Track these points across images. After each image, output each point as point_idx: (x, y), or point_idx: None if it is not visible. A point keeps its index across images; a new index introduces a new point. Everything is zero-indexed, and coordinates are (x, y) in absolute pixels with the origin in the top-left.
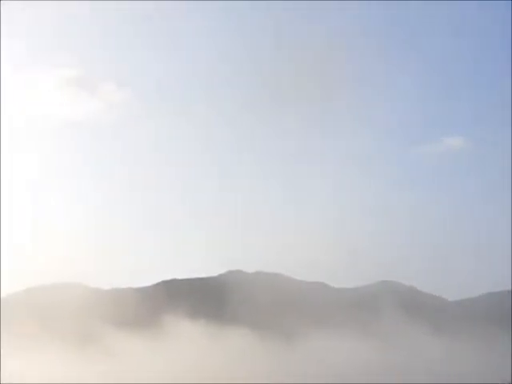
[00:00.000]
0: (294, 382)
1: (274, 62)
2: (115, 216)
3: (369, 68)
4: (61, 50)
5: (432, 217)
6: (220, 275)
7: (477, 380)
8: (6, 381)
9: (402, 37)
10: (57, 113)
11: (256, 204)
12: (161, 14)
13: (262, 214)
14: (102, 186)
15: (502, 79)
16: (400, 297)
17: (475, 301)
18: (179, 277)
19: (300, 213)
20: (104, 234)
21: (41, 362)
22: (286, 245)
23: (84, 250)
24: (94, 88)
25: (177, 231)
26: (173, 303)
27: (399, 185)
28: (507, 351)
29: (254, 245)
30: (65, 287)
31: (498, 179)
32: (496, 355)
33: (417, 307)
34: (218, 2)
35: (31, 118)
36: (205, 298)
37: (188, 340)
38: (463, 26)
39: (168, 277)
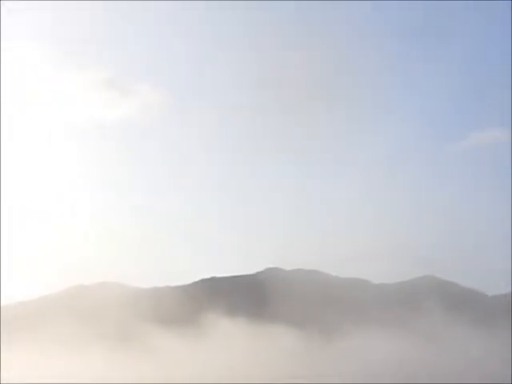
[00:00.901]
0: (336, 382)
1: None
2: (153, 216)
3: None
4: (94, 52)
5: (470, 213)
6: (258, 273)
7: None
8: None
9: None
10: (93, 114)
11: (293, 202)
12: (196, 14)
13: (299, 211)
14: (141, 187)
15: None
16: (441, 292)
17: None
18: (218, 275)
19: (337, 210)
20: (142, 234)
21: (82, 361)
22: (324, 242)
23: (123, 249)
24: (128, 89)
25: (215, 230)
26: (212, 301)
27: (439, 180)
28: None
29: (291, 242)
30: (105, 287)
31: None
32: None
33: (458, 302)
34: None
35: (70, 120)
36: (244, 296)
37: (228, 338)
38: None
39: (206, 275)
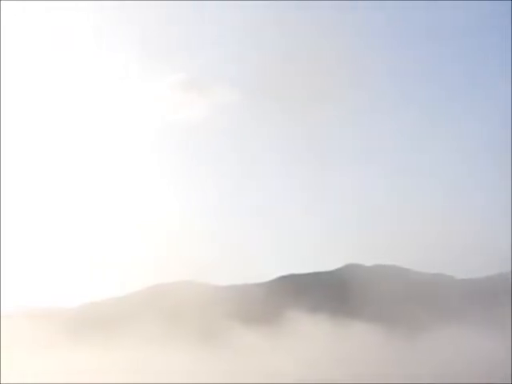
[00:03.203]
0: (419, 382)
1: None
2: (230, 214)
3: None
4: (171, 54)
5: None
6: (337, 269)
7: None
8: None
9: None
10: (171, 115)
11: (372, 195)
12: (270, 14)
13: (378, 205)
14: (219, 185)
15: None
16: None
17: None
18: (296, 272)
19: (416, 203)
20: (218, 232)
21: (167, 360)
22: (404, 236)
23: (199, 247)
24: (205, 90)
25: (291, 227)
26: (292, 299)
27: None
28: None
29: (371, 237)
30: (183, 285)
31: None
32: None
33: None
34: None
35: (147, 121)
36: (324, 293)
37: (310, 336)
38: None
39: (285, 272)
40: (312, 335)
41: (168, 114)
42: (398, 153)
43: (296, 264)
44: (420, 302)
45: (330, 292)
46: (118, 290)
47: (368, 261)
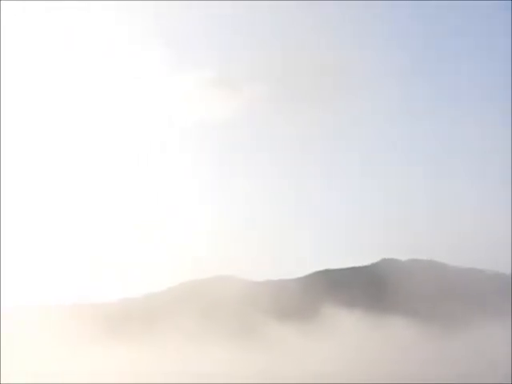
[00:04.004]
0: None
1: None
2: (266, 211)
3: None
4: (203, 51)
5: None
6: (373, 264)
7: None
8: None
9: None
10: (204, 113)
11: (409, 191)
12: (300, 14)
13: (414, 200)
14: (254, 183)
15: None
16: None
17: None
18: (331, 267)
19: (449, 199)
20: (253, 228)
21: (204, 355)
22: (439, 231)
23: (235, 243)
24: (236, 87)
25: (328, 222)
26: (328, 294)
27: None
28: None
29: (406, 232)
30: (219, 281)
31: None
32: None
33: None
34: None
35: (179, 119)
36: (360, 288)
37: (346, 331)
38: None
39: (320, 267)
40: (348, 331)
41: (198, 111)
42: (438, 154)
43: (331, 259)
44: (455, 296)
45: (365, 287)
46: (156, 286)
47: (403, 255)
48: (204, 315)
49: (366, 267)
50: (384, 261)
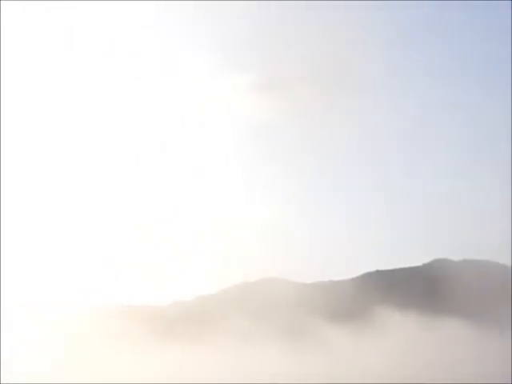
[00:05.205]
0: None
1: None
2: (315, 212)
3: None
4: (248, 52)
5: None
6: (424, 265)
7: None
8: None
9: None
10: (249, 115)
11: (458, 189)
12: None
13: (465, 199)
14: (302, 184)
15: None
16: None
17: None
18: (382, 268)
19: (502, 197)
20: (304, 229)
21: (256, 357)
22: (493, 230)
23: (287, 245)
24: (284, 90)
25: (377, 222)
26: (380, 295)
27: None
28: None
29: (458, 231)
30: (269, 283)
31: None
32: None
33: None
34: None
35: (230, 122)
36: (412, 289)
37: (400, 333)
38: None
39: (370, 268)
40: (401, 333)
41: (245, 113)
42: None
43: (382, 260)
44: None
45: (418, 288)
46: (206, 288)
47: (456, 256)
48: (254, 317)
49: (417, 268)
50: (436, 261)
